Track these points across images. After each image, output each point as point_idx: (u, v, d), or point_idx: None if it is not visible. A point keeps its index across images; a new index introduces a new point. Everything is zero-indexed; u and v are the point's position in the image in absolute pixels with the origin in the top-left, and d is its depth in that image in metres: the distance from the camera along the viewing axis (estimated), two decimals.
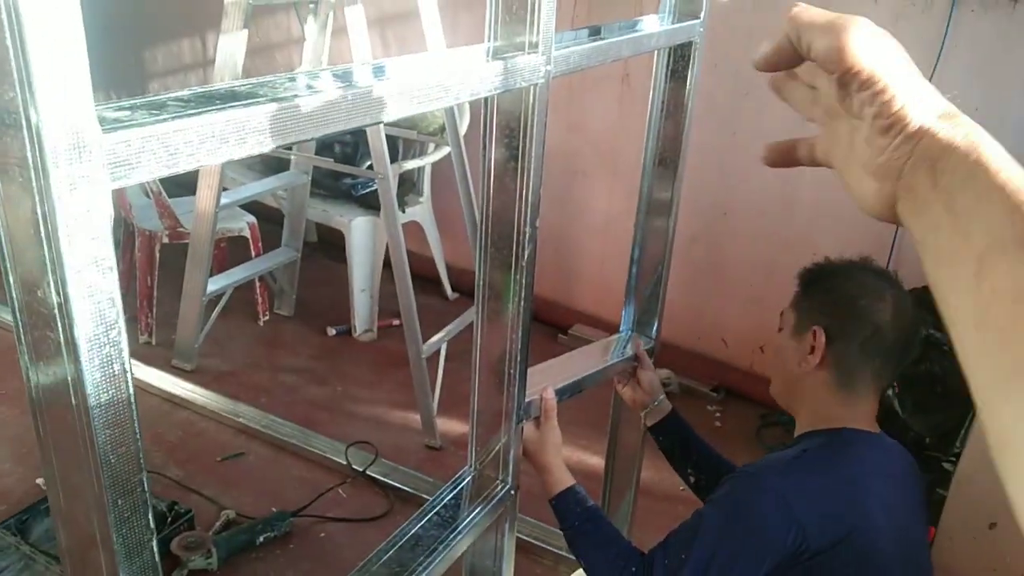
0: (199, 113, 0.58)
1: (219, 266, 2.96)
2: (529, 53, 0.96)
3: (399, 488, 2.26)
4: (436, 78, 0.81)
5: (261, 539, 2.02)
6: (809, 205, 2.58)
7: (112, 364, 0.56)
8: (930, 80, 1.96)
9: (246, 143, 0.61)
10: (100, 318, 0.54)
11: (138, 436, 0.59)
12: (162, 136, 0.54)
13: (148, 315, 2.85)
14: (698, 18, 1.42)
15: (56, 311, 0.53)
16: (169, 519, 1.99)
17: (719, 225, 2.77)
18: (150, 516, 0.63)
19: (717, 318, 2.87)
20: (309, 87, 0.71)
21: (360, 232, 3.02)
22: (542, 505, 2.20)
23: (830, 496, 1.13)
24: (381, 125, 2.35)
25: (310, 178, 2.98)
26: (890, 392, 2.07)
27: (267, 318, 3.14)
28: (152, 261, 2.80)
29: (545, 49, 0.97)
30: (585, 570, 1.20)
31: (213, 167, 2.62)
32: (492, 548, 1.31)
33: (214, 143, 0.58)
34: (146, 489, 0.62)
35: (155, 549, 0.64)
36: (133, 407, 0.59)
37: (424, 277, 3.04)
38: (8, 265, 0.54)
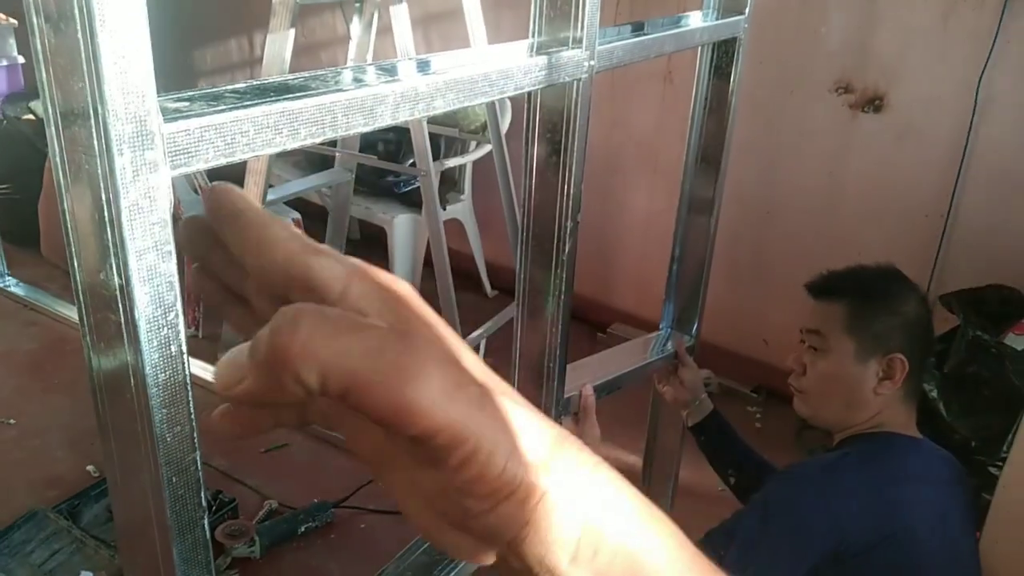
0: (254, 104, 0.60)
1: None
2: (573, 48, 0.97)
3: None
4: (480, 71, 0.82)
5: (303, 529, 2.05)
6: (854, 203, 2.54)
7: (170, 345, 0.58)
8: (980, 78, 1.94)
9: (299, 134, 0.63)
10: (159, 301, 0.57)
11: (192, 416, 0.62)
12: (219, 126, 0.56)
13: (196, 309, 2.91)
14: (743, 13, 1.41)
15: (118, 293, 0.56)
16: (214, 507, 2.03)
17: (762, 224, 2.75)
18: (203, 495, 0.65)
19: (758, 318, 2.85)
20: (357, 80, 0.73)
21: (402, 229, 3.06)
22: None
23: (872, 498, 1.12)
24: (424, 123, 2.38)
25: (354, 176, 3.02)
26: (935, 394, 2.03)
27: None
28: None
29: (589, 44, 0.98)
30: None
31: (260, 164, 2.67)
32: None
33: (269, 133, 0.60)
34: (199, 468, 0.64)
35: (206, 527, 0.66)
36: (188, 388, 0.61)
37: (464, 274, 3.06)
38: (73, 250, 0.57)
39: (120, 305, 0.56)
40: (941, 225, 2.38)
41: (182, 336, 0.59)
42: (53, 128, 0.53)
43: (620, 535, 0.31)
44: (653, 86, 2.83)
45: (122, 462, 0.64)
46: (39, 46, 0.50)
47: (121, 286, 0.55)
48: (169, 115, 0.54)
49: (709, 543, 1.13)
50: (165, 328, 0.58)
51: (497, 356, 2.68)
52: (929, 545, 1.12)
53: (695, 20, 1.36)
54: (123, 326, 0.57)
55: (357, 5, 2.64)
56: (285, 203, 3.09)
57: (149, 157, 0.52)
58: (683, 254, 1.63)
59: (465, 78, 0.80)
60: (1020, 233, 2.28)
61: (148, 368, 0.57)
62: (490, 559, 0.31)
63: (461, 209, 3.21)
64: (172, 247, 0.57)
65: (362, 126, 0.71)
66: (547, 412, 1.22)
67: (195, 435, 0.63)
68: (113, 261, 0.55)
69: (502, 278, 3.37)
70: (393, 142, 3.12)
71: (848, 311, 1.25)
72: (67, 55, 0.49)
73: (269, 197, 2.71)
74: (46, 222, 3.42)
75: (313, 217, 3.32)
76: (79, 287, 0.58)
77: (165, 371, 0.59)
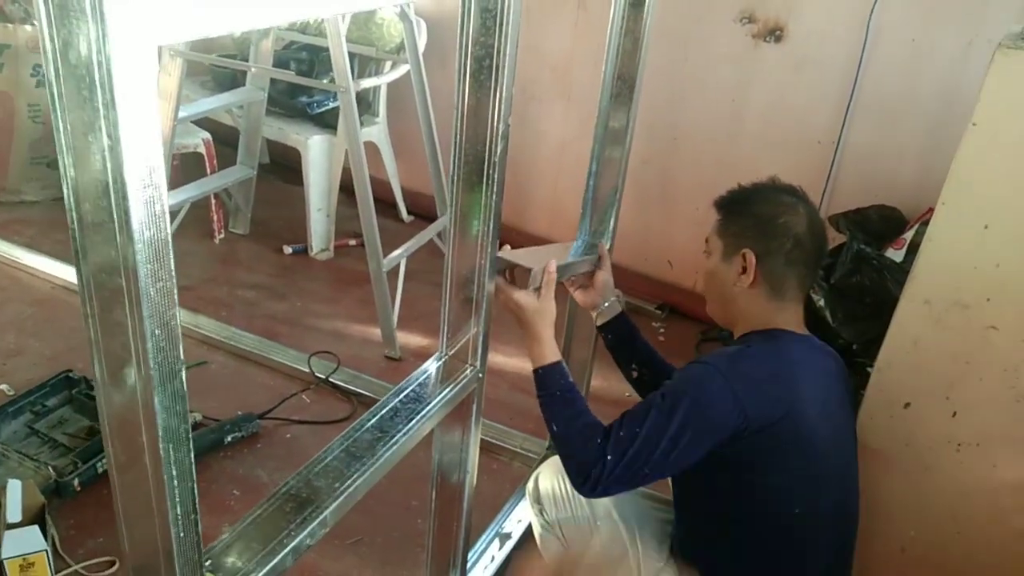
0: None
1: (174, 183, 2.95)
2: None
3: (361, 394, 2.35)
4: None
5: (229, 439, 2.10)
6: (754, 130, 2.69)
7: (154, 204, 0.63)
8: (872, 12, 2.10)
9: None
10: (145, 161, 0.61)
11: (172, 273, 0.67)
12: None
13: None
14: None
15: (107, 153, 0.60)
16: None
17: (669, 150, 2.87)
18: (180, 348, 0.70)
19: (663, 240, 3.00)
20: None
21: (317, 151, 3.04)
22: (496, 408, 2.32)
23: (769, 381, 1.26)
24: (343, 37, 2.37)
25: (266, 95, 2.97)
26: (822, 303, 2.22)
27: (222, 236, 3.16)
28: None
29: None
30: (553, 437, 1.31)
31: (172, 84, 2.61)
32: (459, 435, 1.41)
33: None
34: (179, 323, 0.69)
35: (183, 379, 0.72)
36: (170, 247, 0.66)
37: (379, 200, 3.08)
38: (63, 115, 0.60)
39: (108, 165, 0.60)
40: (832, 151, 2.56)
41: (165, 197, 0.64)
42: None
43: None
44: (567, 12, 2.89)
45: (104, 322, 0.69)
46: None
47: (111, 147, 0.60)
48: None
49: (626, 422, 1.24)
50: (150, 188, 0.63)
51: (415, 279, 2.74)
52: (817, 420, 1.27)
53: None
54: (110, 184, 0.61)
55: None
56: (194, 123, 3.02)
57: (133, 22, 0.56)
58: (598, 174, 1.73)
59: None
60: (901, 157, 2.48)
61: (135, 224, 0.62)
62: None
63: (376, 132, 3.21)
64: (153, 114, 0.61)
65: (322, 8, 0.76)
66: (479, 307, 1.30)
67: (175, 291, 0.68)
68: (102, 123, 0.59)
69: (418, 203, 3.41)
70: (305, 61, 3.07)
71: (722, 216, 1.40)
72: None
73: (180, 115, 2.66)
74: None
75: (224, 138, 3.26)
76: (64, 147, 0.62)
77: (150, 228, 0.64)
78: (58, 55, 0.58)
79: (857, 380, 1.97)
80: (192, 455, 0.75)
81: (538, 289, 1.38)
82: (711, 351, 1.40)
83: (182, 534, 0.77)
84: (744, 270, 1.33)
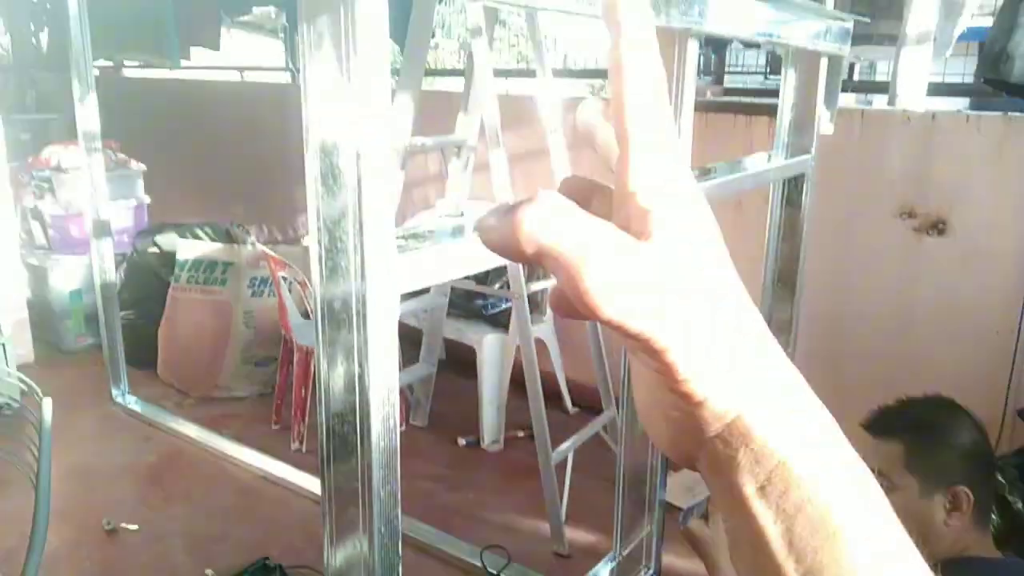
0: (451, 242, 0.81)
1: None
2: None
3: None
4: None
5: None
6: (925, 323, 2.65)
7: (389, 420, 0.78)
8: None
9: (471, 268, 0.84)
10: (386, 385, 0.76)
11: (399, 477, 0.80)
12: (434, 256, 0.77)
13: (300, 424, 3.13)
14: (809, 153, 1.62)
15: (356, 375, 0.75)
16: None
17: (835, 343, 2.86)
18: (399, 544, 0.82)
19: None
20: None
21: (490, 348, 3.26)
22: None
23: None
24: None
25: (447, 299, 3.27)
26: (1020, 505, 2.07)
27: (403, 428, 3.38)
28: (307, 374, 3.11)
29: None
30: None
31: None
32: None
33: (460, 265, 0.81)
34: (399, 522, 0.82)
35: (400, 572, 0.83)
36: (397, 456, 0.79)
37: (544, 390, 3.22)
38: (324, 347, 0.77)
39: (357, 387, 0.76)
40: (1013, 340, 2.46)
41: (397, 414, 0.79)
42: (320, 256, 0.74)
43: (814, 479, 0.30)
44: (724, 213, 3.04)
45: (339, 517, 0.82)
46: (315, 206, 0.73)
47: (359, 374, 0.75)
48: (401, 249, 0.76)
49: None
50: (387, 406, 0.77)
51: (582, 471, 2.80)
52: None
53: (761, 161, 1.56)
54: (357, 404, 0.76)
55: (456, 150, 2.96)
56: None
57: (389, 301, 0.73)
58: None
59: None
60: None
61: (374, 436, 0.76)
62: (681, 459, 0.33)
63: (544, 330, 3.41)
64: (396, 369, 0.77)
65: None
66: (651, 507, 1.35)
67: (399, 494, 0.81)
68: (357, 384, 0.75)
69: (583, 395, 3.52)
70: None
71: (906, 449, 1.30)
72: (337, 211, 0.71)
73: None
74: (165, 346, 3.74)
75: (407, 337, 3.57)
76: (322, 373, 0.78)
77: (384, 439, 0.78)
78: (326, 303, 0.76)
79: None
80: None
81: (704, 516, 1.31)
82: None
83: None
84: (956, 507, 1.24)
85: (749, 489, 0.30)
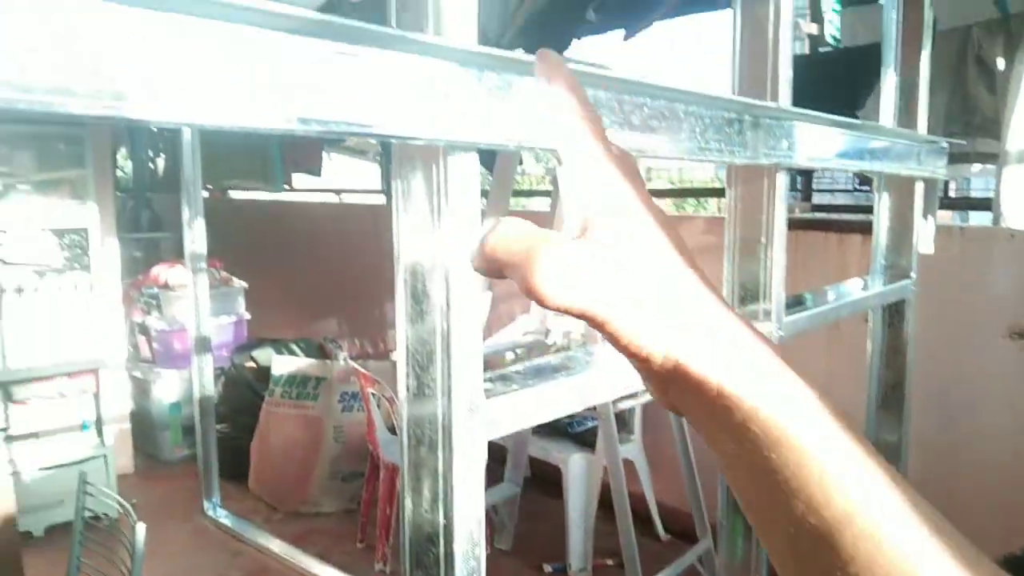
0: (540, 383, 0.80)
1: None
2: (763, 321, 1.15)
3: None
4: None
5: None
6: None
7: (474, 544, 0.75)
8: None
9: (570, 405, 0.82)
10: (470, 538, 0.74)
11: None
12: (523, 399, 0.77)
13: (385, 544, 3.09)
14: (910, 278, 1.56)
15: (441, 529, 0.74)
16: None
17: (948, 471, 2.68)
18: None
19: None
20: (586, 361, 0.93)
21: (577, 468, 3.19)
22: None
23: None
24: None
25: None
26: None
27: (488, 552, 3.29)
28: (393, 492, 3.09)
29: (777, 317, 1.16)
30: None
31: None
32: None
33: (553, 407, 0.80)
34: None
35: None
36: None
37: (634, 513, 3.11)
38: (410, 491, 0.76)
39: (441, 507, 0.74)
40: None
41: (483, 539, 0.76)
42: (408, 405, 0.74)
43: (752, 396, 0.35)
44: (818, 334, 2.95)
45: None
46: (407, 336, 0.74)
47: (445, 524, 0.74)
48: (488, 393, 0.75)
49: None
50: (472, 529, 0.75)
51: None
52: None
53: (857, 288, 1.51)
54: (440, 527, 0.74)
55: None
56: None
57: (475, 422, 0.72)
58: None
59: None
60: None
61: (458, 562, 0.74)
62: (674, 411, 0.37)
63: (631, 449, 3.32)
64: (482, 492, 0.75)
65: (605, 396, 0.90)
66: None
67: None
68: (441, 505, 0.74)
69: (674, 520, 3.37)
70: None
71: None
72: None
73: None
74: (257, 460, 3.81)
75: (491, 455, 3.52)
76: (406, 493, 0.77)
77: (468, 565, 0.75)
78: (412, 422, 0.75)
79: None
80: None
81: None
82: None
83: None
84: None
85: (702, 418, 0.35)
